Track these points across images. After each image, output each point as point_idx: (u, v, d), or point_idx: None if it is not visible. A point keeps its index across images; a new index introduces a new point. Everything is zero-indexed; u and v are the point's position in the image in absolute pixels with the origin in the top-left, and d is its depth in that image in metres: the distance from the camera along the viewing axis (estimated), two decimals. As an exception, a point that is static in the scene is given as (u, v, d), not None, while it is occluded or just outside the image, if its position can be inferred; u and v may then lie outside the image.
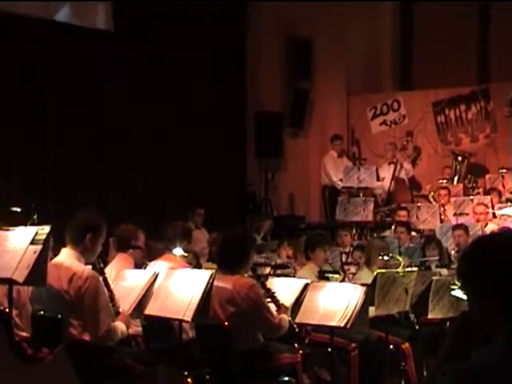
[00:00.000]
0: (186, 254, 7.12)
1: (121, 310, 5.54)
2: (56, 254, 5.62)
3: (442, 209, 12.06)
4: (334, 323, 6.10)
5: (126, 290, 5.81)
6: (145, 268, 6.84)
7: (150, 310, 5.86)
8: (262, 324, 5.96)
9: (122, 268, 6.40)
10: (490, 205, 11.58)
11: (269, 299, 6.15)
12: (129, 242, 6.86)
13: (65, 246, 5.59)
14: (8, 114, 10.99)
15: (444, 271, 8.68)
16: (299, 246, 8.99)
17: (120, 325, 5.46)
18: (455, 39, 15.05)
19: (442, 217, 11.92)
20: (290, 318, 6.14)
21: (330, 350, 6.33)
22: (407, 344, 7.34)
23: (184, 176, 13.08)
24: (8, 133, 11.02)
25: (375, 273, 7.16)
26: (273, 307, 6.10)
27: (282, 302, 6.21)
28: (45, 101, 11.47)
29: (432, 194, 13.00)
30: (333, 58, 14.85)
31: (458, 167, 13.97)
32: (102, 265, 5.65)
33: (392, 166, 13.66)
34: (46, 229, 5.15)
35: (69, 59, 11.43)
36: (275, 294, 6.23)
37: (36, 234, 5.13)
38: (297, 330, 6.21)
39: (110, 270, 6.30)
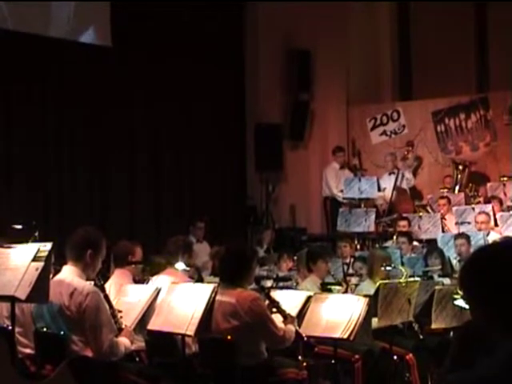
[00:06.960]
0: (187, 268, 7.12)
1: (123, 326, 5.52)
2: (56, 269, 5.62)
3: (443, 219, 12.03)
4: (337, 335, 6.09)
5: (129, 305, 5.81)
6: (147, 283, 6.84)
7: (153, 324, 5.85)
8: (267, 337, 5.93)
9: (120, 283, 6.40)
10: (491, 213, 11.56)
11: (274, 309, 6.12)
12: (126, 258, 6.87)
13: (66, 262, 5.58)
14: (10, 129, 11.05)
15: (446, 281, 8.67)
16: (301, 258, 8.98)
17: (124, 340, 5.43)
18: (453, 48, 15.07)
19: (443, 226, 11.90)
20: (297, 328, 6.10)
21: (333, 361, 6.32)
22: (411, 354, 7.31)
23: (184, 189, 13.08)
24: (9, 148, 11.07)
25: (378, 283, 7.15)
26: (279, 318, 6.08)
27: (287, 312, 6.18)
28: (45, 115, 11.52)
29: (430, 204, 13.01)
30: (332, 69, 14.86)
31: (458, 176, 13.96)
32: (102, 282, 5.64)
33: (393, 176, 13.64)
34: (48, 246, 5.16)
35: (69, 75, 11.50)
36: (280, 305, 6.21)
37: (38, 251, 5.13)
38: (305, 339, 6.16)
39: (109, 286, 6.30)
